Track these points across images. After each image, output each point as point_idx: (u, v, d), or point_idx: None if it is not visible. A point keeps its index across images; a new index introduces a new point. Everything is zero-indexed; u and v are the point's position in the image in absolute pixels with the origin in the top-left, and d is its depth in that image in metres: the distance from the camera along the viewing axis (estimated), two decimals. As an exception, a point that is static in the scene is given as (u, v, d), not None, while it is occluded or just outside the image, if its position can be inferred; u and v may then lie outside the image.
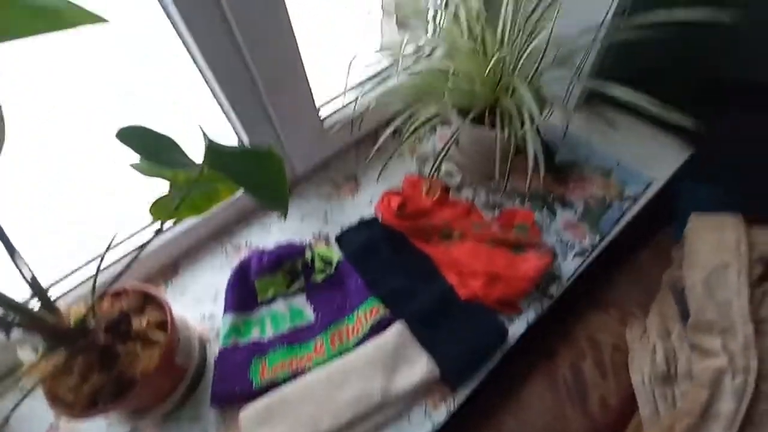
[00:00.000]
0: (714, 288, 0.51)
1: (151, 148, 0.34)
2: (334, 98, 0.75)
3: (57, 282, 0.61)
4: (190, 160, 0.39)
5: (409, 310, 0.57)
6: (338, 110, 0.75)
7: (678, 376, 0.53)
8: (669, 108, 0.54)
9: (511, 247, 0.61)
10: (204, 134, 0.34)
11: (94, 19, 0.33)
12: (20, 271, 0.37)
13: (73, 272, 0.62)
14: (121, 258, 0.63)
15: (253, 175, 0.38)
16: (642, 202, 0.69)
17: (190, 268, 0.68)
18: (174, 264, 0.68)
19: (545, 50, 0.55)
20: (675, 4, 0.49)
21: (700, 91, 0.72)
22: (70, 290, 0.60)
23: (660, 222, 0.77)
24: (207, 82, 0.57)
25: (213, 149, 0.33)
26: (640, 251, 0.74)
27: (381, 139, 0.64)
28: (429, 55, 0.75)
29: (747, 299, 0.49)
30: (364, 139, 0.82)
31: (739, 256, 0.51)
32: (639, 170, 0.72)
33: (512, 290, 0.56)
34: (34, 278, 0.38)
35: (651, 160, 0.74)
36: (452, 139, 0.63)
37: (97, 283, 0.47)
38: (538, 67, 0.57)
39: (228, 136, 0.66)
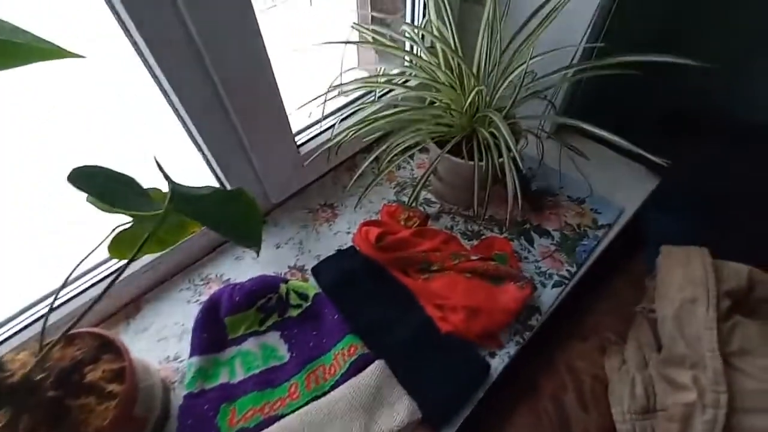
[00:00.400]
0: (683, 322, 0.52)
1: (108, 189, 0.31)
2: (312, 125, 0.73)
3: (2, 324, 0.56)
4: (152, 202, 0.37)
5: (389, 347, 0.55)
6: (315, 137, 0.73)
7: (657, 409, 0.53)
8: (636, 142, 0.55)
9: (491, 278, 0.60)
10: (166, 176, 0.32)
11: (61, 54, 0.31)
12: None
13: (22, 311, 0.57)
14: (77, 295, 0.59)
15: (223, 217, 0.35)
16: (615, 230, 0.71)
17: (154, 303, 0.64)
18: (136, 298, 0.64)
19: (520, 86, 0.56)
20: (641, 48, 0.51)
21: (667, 124, 0.75)
22: (18, 331, 0.55)
23: (633, 248, 0.78)
24: (172, 105, 0.55)
25: (178, 193, 0.31)
26: (615, 278, 0.75)
27: (359, 171, 0.63)
28: (405, 82, 0.76)
29: (715, 333, 0.50)
30: (341, 165, 0.81)
31: (707, 290, 0.52)
32: (611, 198, 0.74)
33: (493, 324, 0.55)
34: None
35: (622, 187, 0.76)
36: (430, 169, 0.62)
37: (48, 323, 0.43)
38: (513, 102, 0.58)
39: (197, 163, 0.63)
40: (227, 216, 0.36)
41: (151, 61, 0.48)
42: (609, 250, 0.70)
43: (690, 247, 0.58)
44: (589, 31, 0.63)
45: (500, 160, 0.57)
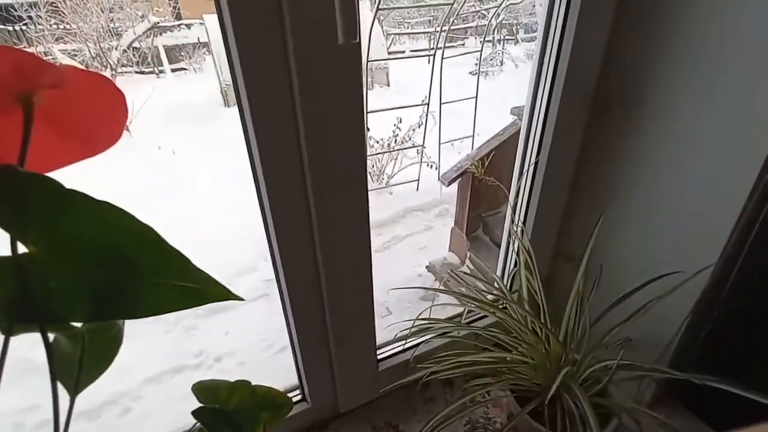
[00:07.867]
0: None
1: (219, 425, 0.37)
2: (394, 342, 0.77)
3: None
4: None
5: None
6: (396, 355, 0.76)
7: None
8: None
9: None
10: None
11: (230, 296, 0.39)
12: None
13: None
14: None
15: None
16: None
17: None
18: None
19: (614, 369, 0.53)
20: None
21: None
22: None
23: None
24: (286, 315, 0.63)
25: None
26: None
27: (434, 417, 0.61)
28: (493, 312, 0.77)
29: None
30: (413, 383, 0.80)
31: None
32: None
33: None
34: None
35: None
36: (507, 427, 0.58)
37: None
38: (607, 382, 0.55)
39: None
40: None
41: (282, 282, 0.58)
42: None
43: None
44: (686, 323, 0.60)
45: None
